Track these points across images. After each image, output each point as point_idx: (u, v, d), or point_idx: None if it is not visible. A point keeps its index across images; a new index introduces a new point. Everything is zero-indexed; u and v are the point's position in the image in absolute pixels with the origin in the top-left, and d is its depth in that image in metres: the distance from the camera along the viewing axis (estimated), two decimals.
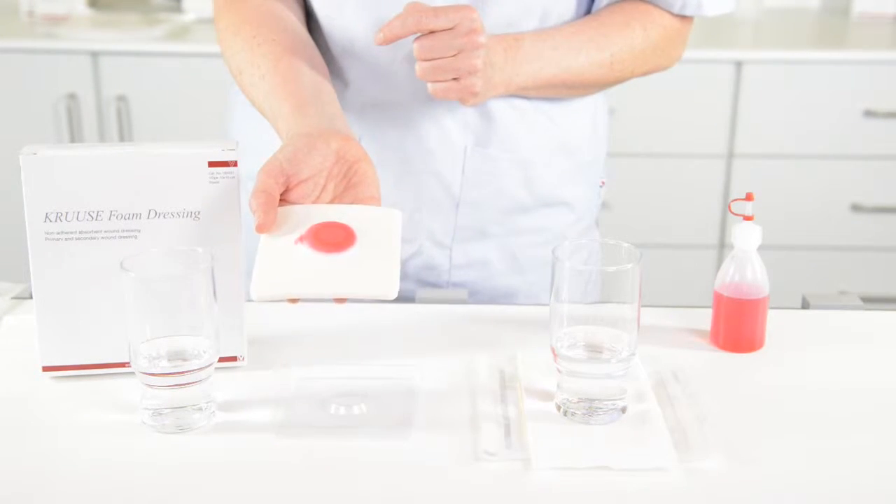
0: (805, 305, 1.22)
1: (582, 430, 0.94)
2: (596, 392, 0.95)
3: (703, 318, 1.14)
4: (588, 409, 0.95)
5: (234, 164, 1.00)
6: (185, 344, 0.94)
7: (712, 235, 2.72)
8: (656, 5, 1.29)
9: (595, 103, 1.35)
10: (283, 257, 0.94)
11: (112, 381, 1.02)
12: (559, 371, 0.96)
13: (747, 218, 1.08)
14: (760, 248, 1.09)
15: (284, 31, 1.20)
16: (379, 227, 0.97)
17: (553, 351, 0.95)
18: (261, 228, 0.96)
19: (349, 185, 1.04)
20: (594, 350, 0.95)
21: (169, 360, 0.94)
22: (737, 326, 1.09)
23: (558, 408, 0.97)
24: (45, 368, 1.02)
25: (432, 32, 1.12)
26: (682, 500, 0.85)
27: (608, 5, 1.28)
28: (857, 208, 2.69)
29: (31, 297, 1.02)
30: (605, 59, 1.26)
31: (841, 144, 2.64)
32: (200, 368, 0.94)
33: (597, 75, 1.27)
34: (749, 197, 1.08)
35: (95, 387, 1.01)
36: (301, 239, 0.93)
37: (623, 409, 0.96)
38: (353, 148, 1.04)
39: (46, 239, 0.99)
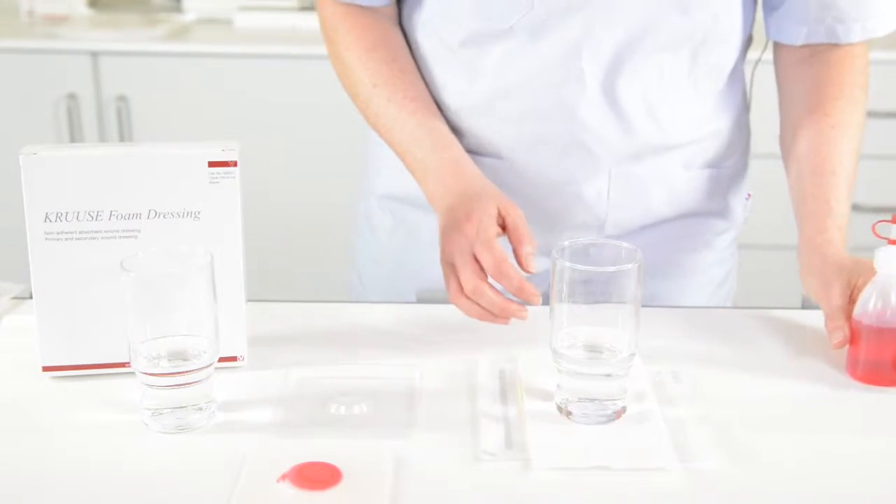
0: (805, 305, 1.22)
1: (582, 430, 0.94)
2: (596, 392, 0.95)
3: (704, 318, 1.14)
4: (588, 409, 0.95)
5: (234, 164, 1.00)
6: (185, 344, 0.94)
7: None
8: (848, 42, 1.30)
9: (738, 109, 1.33)
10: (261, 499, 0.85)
11: (112, 381, 1.02)
12: (559, 371, 0.96)
13: (892, 242, 1.00)
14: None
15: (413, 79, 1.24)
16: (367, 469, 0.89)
17: (553, 351, 0.95)
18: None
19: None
20: (594, 350, 0.95)
21: (169, 360, 0.94)
22: (877, 356, 1.01)
23: (558, 408, 0.97)
24: (45, 368, 1.02)
25: None
26: (681, 500, 0.85)
27: (827, 79, 1.28)
28: (857, 208, 2.68)
29: (31, 297, 1.01)
30: (858, 147, 1.26)
31: None
32: (200, 368, 0.94)
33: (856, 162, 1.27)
34: (895, 220, 0.99)
35: (95, 387, 1.01)
36: (284, 477, 0.86)
37: (623, 409, 0.96)
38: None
39: (46, 239, 0.99)
